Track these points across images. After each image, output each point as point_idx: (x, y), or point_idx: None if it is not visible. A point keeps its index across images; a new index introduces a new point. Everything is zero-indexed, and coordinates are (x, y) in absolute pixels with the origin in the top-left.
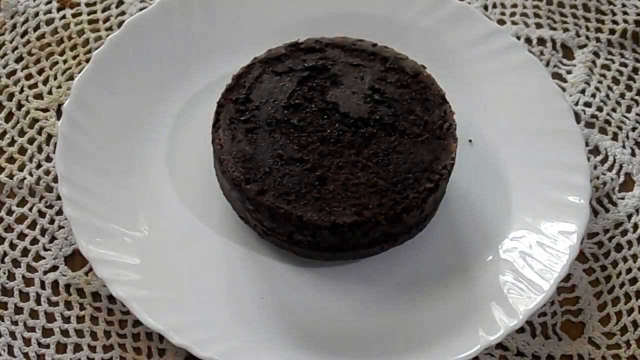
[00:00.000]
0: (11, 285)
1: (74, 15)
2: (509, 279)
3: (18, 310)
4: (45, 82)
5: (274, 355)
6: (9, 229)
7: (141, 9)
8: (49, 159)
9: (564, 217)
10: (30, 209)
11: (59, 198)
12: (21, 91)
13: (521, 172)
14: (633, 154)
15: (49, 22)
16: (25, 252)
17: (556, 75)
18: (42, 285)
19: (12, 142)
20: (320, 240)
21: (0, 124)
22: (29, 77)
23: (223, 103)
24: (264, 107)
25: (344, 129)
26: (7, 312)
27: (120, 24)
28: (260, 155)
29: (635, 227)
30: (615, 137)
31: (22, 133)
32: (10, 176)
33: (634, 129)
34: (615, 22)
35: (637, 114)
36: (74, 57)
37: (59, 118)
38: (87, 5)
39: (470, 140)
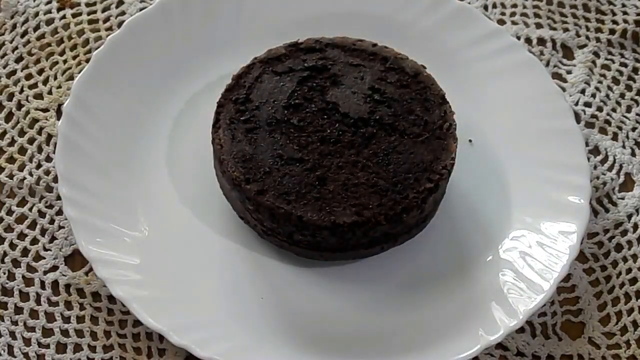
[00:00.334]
0: (11, 285)
1: (74, 15)
2: (509, 279)
3: (18, 310)
4: (45, 82)
5: (274, 355)
6: (9, 229)
7: (141, 9)
8: (49, 159)
9: (564, 217)
10: (30, 209)
11: (59, 198)
12: (21, 91)
13: (521, 172)
14: (633, 154)
15: (49, 22)
16: (25, 252)
17: (556, 75)
18: (42, 285)
19: (12, 142)
20: (320, 240)
21: (0, 124)
22: (29, 77)
23: (223, 103)
24: (264, 107)
25: (344, 129)
26: (7, 312)
27: (120, 24)
28: (260, 155)
29: (635, 227)
30: (615, 137)
31: (22, 133)
32: (10, 176)
33: (634, 129)
34: (615, 22)
35: (637, 114)
36: (74, 57)
37: (59, 118)
38: (87, 5)
39: (470, 140)
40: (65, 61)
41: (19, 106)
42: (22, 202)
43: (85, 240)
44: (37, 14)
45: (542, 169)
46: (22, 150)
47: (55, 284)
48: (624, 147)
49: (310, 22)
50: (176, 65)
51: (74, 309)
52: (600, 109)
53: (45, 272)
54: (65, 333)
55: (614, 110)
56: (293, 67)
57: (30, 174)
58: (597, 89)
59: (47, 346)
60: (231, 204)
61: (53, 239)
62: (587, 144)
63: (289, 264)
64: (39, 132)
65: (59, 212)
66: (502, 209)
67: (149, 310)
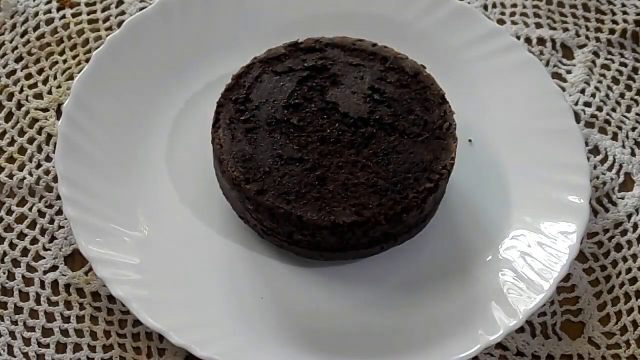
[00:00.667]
0: (11, 285)
1: (74, 15)
2: (509, 279)
3: (18, 310)
4: (45, 82)
5: (274, 355)
6: (9, 229)
7: (141, 9)
8: (49, 159)
9: (564, 217)
10: (30, 209)
11: (59, 198)
12: (21, 91)
13: (521, 172)
14: (633, 154)
15: (49, 22)
16: (25, 252)
17: (556, 75)
18: (42, 285)
19: (12, 142)
20: (320, 240)
21: (0, 124)
22: (29, 77)
23: (223, 103)
24: (264, 107)
25: (344, 129)
26: (7, 312)
27: (120, 24)
28: (260, 155)
29: (635, 227)
30: (615, 137)
31: (22, 133)
32: (10, 176)
33: (634, 129)
34: (615, 22)
35: (637, 114)
36: (74, 57)
37: (59, 118)
38: (87, 5)
39: (470, 140)
40: (65, 61)
41: (19, 106)
42: (22, 202)
43: (85, 240)
44: (37, 14)
45: (542, 169)
46: (22, 150)
47: (55, 284)
48: (624, 147)
49: (310, 22)
50: (176, 65)
51: (74, 309)
52: (600, 109)
53: (45, 272)
54: (65, 333)
55: (614, 110)
56: (293, 67)
57: (30, 174)
58: (597, 89)
59: (47, 346)
60: (231, 204)
61: (53, 239)
62: (587, 144)
63: (289, 264)
64: (39, 132)
65: (59, 212)
66: (502, 209)
67: (149, 310)
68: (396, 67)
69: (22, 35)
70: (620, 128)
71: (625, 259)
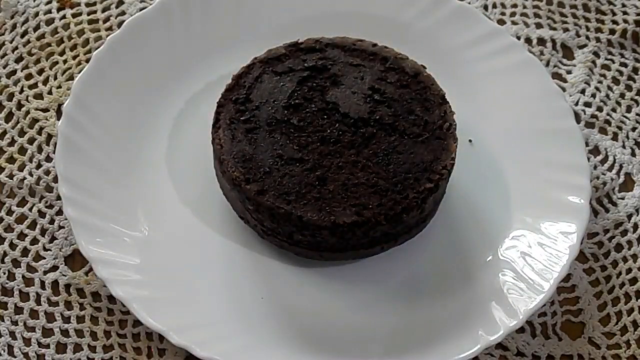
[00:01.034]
0: (11, 285)
1: (74, 15)
2: (509, 279)
3: (18, 310)
4: (45, 82)
5: (274, 355)
6: (9, 229)
7: (141, 9)
8: (49, 159)
9: (564, 217)
10: (30, 209)
11: (59, 198)
12: (21, 91)
13: (521, 172)
14: (633, 154)
15: (49, 22)
16: (25, 252)
17: (556, 75)
18: (42, 285)
19: (12, 142)
20: (320, 240)
21: (0, 124)
22: (29, 77)
23: (223, 103)
24: (264, 107)
25: (344, 129)
26: (7, 312)
27: (120, 24)
28: (260, 155)
29: (635, 227)
30: (615, 137)
31: (22, 133)
32: (10, 176)
33: (634, 129)
34: (615, 22)
35: (637, 114)
36: (74, 57)
37: (59, 118)
38: (87, 5)
39: (470, 140)
40: (65, 61)
41: (19, 106)
42: (22, 202)
43: (85, 240)
44: (37, 14)
45: (542, 169)
46: (22, 150)
47: (55, 284)
48: (624, 147)
49: (310, 22)
50: (176, 65)
51: (74, 309)
52: (600, 109)
53: (45, 272)
54: (65, 333)
55: (614, 110)
56: (293, 67)
57: (30, 174)
58: (597, 89)
59: (47, 346)
60: (231, 204)
61: (53, 239)
62: (587, 144)
63: (289, 264)
64: (39, 132)
65: (59, 212)
66: (502, 209)
67: (149, 310)
68: (396, 67)
69: (22, 35)
70: (620, 128)
71: (625, 259)
